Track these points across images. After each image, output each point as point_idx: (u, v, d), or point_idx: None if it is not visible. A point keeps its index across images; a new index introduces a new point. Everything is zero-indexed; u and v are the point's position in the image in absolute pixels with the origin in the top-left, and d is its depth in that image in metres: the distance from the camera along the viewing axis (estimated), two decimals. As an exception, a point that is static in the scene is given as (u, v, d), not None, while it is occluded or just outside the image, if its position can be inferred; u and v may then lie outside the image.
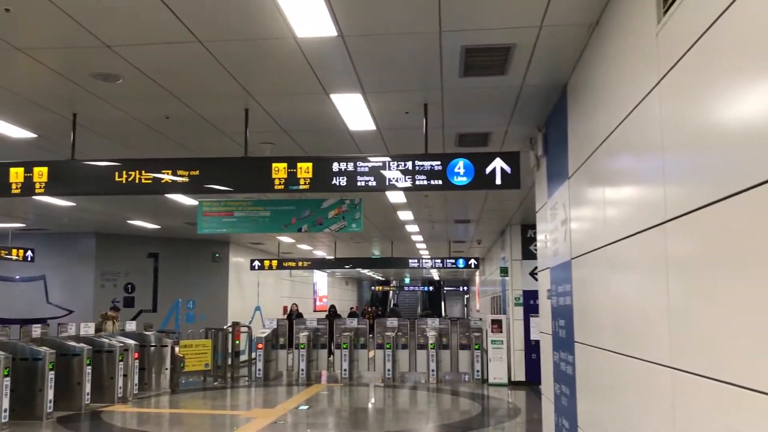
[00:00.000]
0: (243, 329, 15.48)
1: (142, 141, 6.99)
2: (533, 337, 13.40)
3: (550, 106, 5.93)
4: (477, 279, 29.14)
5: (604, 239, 4.07)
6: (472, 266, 17.63)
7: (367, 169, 5.71)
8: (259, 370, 14.42)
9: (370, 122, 6.37)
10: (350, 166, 5.72)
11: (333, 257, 19.62)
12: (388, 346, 14.38)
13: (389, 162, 5.70)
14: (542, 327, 6.84)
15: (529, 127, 6.57)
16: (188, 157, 6.17)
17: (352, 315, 25.86)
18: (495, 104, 5.94)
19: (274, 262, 18.12)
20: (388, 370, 14.26)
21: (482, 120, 6.41)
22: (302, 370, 14.42)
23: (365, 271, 32.94)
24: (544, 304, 6.63)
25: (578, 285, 4.94)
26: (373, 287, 45.04)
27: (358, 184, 5.71)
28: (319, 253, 21.89)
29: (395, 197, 10.66)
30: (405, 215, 12.78)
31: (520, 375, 13.58)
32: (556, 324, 5.87)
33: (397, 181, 5.67)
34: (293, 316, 17.68)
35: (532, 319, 13.53)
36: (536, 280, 14.29)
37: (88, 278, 16.11)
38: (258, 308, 20.69)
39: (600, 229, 4.19)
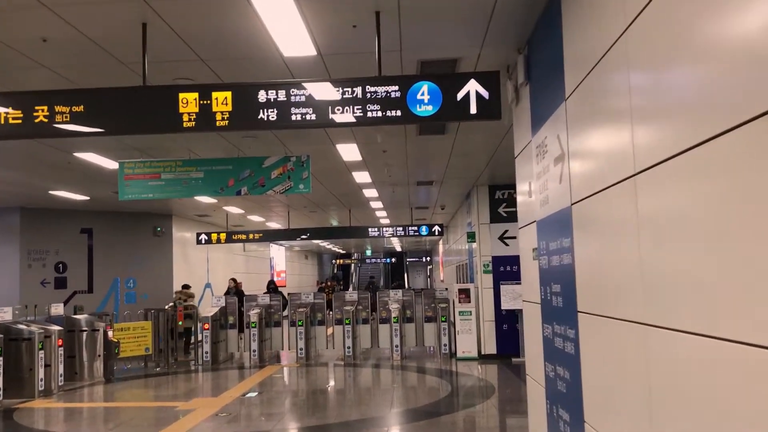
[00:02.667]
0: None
1: (14, 73, 5.51)
2: (504, 306, 12.37)
3: (534, 17, 4.69)
4: (440, 248, 28.13)
5: (630, 166, 2.86)
6: (436, 233, 16.49)
7: (303, 99, 4.40)
8: (206, 352, 13.08)
9: (308, 44, 5.03)
10: (282, 95, 4.40)
11: (286, 228, 18.25)
12: (347, 321, 13.17)
13: (332, 88, 4.40)
14: (525, 294, 5.67)
15: (506, 50, 5.32)
16: (70, 88, 4.76)
17: (321, 290, 24.55)
18: (465, 15, 4.67)
19: (222, 236, 16.71)
20: (348, 348, 13.07)
21: (449, 40, 5.13)
22: (254, 351, 13.13)
23: (325, 244, 31.66)
24: (529, 267, 5.45)
25: (584, 237, 3.74)
26: (333, 261, 43.87)
27: (293, 118, 4.41)
28: (274, 225, 20.50)
29: (349, 154, 9.36)
30: (362, 177, 11.49)
31: (490, 348, 12.54)
32: (547, 290, 4.69)
33: (343, 112, 4.38)
34: (232, 293, 15.90)
35: (502, 287, 12.50)
36: (506, 244, 13.26)
37: (12, 258, 14.49)
38: (208, 285, 19.31)
39: (621, 155, 2.98)
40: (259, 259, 25.56)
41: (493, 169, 11.23)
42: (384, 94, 4.36)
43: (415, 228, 16.25)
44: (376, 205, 16.05)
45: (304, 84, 4.42)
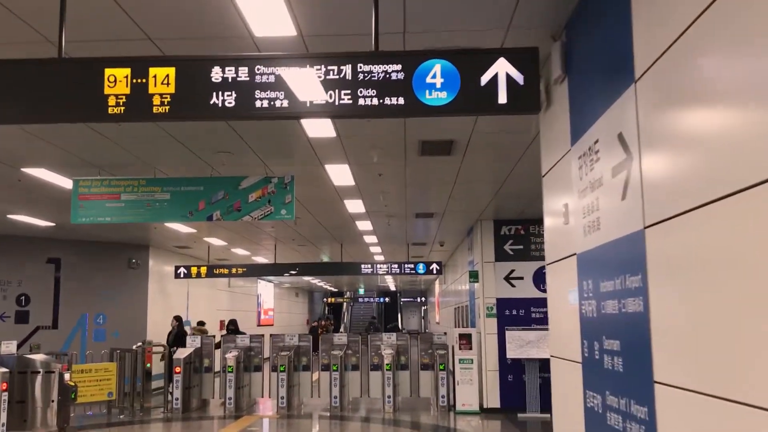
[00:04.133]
0: (157, 349, 12.77)
1: None
2: (510, 355, 11.11)
3: (580, -11, 3.59)
4: (436, 288, 26.85)
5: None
6: (434, 272, 15.27)
7: (272, 79, 3.26)
8: (177, 399, 11.72)
9: (286, 21, 3.91)
10: (243, 74, 3.26)
11: (272, 262, 17.00)
12: (334, 367, 11.88)
13: (311, 65, 3.26)
14: (556, 348, 4.46)
15: (537, 38, 4.20)
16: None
17: (313, 331, 22.67)
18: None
19: (203, 269, 15.49)
20: (335, 398, 11.73)
21: (464, 23, 4.03)
22: (230, 398, 11.77)
23: (316, 282, 30.32)
24: (562, 314, 4.26)
25: (670, 274, 2.56)
26: (325, 299, 42.45)
27: (258, 104, 3.25)
28: (261, 260, 19.24)
29: (340, 177, 8.20)
30: (355, 206, 10.33)
31: (493, 401, 11.23)
32: (594, 346, 3.49)
33: (326, 98, 3.23)
34: (173, 333, 13.76)
35: (508, 333, 11.25)
36: (513, 286, 12.04)
37: (-31, 289, 13.22)
38: (187, 323, 17.93)
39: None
40: (245, 295, 24.20)
41: (500, 201, 10.10)
42: (382, 76, 3.22)
43: (412, 266, 15.05)
44: (370, 239, 14.86)
45: (275, 60, 3.27)
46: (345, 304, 42.18)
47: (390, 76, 3.22)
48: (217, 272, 15.78)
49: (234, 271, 15.78)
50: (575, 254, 3.88)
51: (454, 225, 12.60)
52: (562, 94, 4.10)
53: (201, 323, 15.12)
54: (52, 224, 11.96)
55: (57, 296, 14.20)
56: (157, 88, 3.25)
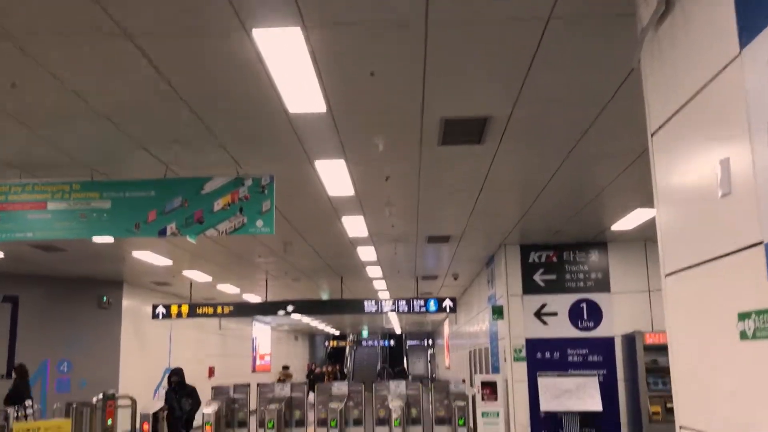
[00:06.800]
0: (123, 401, 10.81)
1: None
2: (544, 408, 9.23)
3: None
4: (446, 329, 24.82)
5: None
6: (447, 309, 13.33)
7: None
8: (143, 462, 9.76)
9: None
10: None
11: (264, 301, 15.09)
12: (333, 423, 9.97)
13: None
14: (693, 419, 2.60)
15: None
16: None
17: (314, 379, 20.01)
18: None
19: (185, 308, 13.59)
20: (334, 461, 9.78)
21: None
22: (207, 462, 9.82)
23: (317, 324, 28.28)
24: (709, 357, 2.42)
25: None
26: (326, 343, 40.35)
27: None
28: (253, 298, 17.33)
29: (336, 181, 6.39)
30: (355, 226, 8.50)
31: (525, 463, 9.27)
32: None
33: None
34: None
35: (541, 380, 9.41)
36: (544, 323, 10.17)
37: None
38: (168, 370, 15.96)
39: None
40: (238, 339, 22.17)
41: (531, 219, 8.35)
42: None
43: (422, 302, 13.11)
44: (374, 272, 13.01)
45: None
46: (348, 348, 40.05)
47: None
48: (201, 311, 13.87)
49: (220, 310, 13.89)
50: (761, 243, 2.06)
51: (472, 252, 10.77)
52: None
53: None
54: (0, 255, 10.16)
55: (13, 340, 12.30)
56: None
